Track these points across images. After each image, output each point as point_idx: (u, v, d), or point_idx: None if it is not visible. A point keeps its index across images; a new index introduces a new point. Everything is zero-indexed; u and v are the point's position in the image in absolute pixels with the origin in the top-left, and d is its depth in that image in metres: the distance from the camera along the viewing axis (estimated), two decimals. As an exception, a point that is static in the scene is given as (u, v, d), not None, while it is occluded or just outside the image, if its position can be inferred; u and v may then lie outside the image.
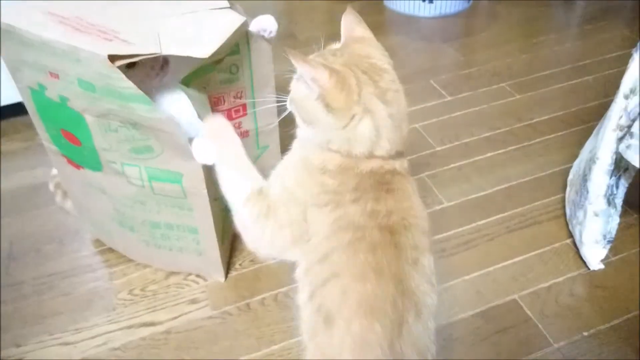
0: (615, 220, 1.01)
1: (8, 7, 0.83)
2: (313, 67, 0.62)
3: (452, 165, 1.34)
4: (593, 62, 1.71)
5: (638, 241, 1.10)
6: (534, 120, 1.47)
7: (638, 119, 0.88)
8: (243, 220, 0.72)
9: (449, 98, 1.59)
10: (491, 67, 1.72)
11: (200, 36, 0.77)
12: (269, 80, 0.98)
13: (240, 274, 1.10)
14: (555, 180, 1.27)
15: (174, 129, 0.79)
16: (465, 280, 1.06)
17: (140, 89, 0.74)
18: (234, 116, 0.99)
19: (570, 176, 1.18)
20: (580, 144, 1.22)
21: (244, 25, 0.83)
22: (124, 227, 1.04)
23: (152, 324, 1.02)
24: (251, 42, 0.90)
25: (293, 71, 0.67)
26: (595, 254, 1.03)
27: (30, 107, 0.93)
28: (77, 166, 0.97)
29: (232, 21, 0.81)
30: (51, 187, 1.29)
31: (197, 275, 1.10)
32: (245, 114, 1.00)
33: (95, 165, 0.93)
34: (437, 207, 1.22)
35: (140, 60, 0.75)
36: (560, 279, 1.04)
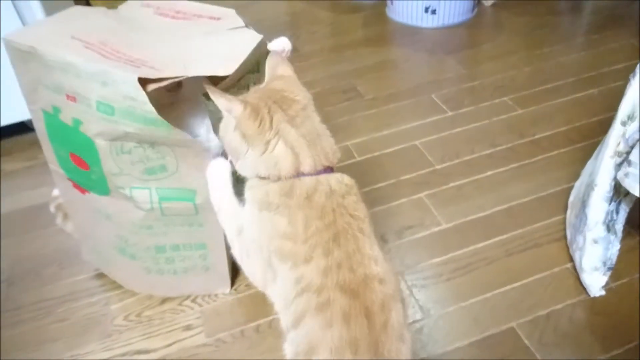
0: (615, 247, 0.99)
1: (31, 30, 0.86)
2: (228, 100, 0.71)
3: (452, 185, 1.33)
4: (599, 74, 1.68)
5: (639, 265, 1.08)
6: (537, 136, 1.45)
7: (637, 146, 0.86)
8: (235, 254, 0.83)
9: (450, 113, 1.57)
10: (494, 80, 1.70)
11: (222, 55, 0.83)
12: None
13: (235, 299, 1.10)
14: (557, 200, 1.25)
15: (192, 144, 0.84)
16: (462, 307, 1.04)
17: (156, 106, 0.78)
18: None
19: (571, 198, 1.16)
20: (584, 161, 1.19)
21: (262, 42, 0.87)
22: (125, 255, 1.04)
23: (146, 351, 1.02)
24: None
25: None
26: (595, 281, 1.01)
27: (40, 129, 0.95)
28: (83, 190, 0.98)
29: (250, 39, 0.87)
30: (52, 208, 1.29)
31: (193, 300, 1.10)
32: None
33: (103, 189, 0.93)
34: (435, 229, 1.21)
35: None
36: (560, 305, 1.02)
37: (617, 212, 0.98)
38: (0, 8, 1.32)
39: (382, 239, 1.19)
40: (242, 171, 0.76)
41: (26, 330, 1.08)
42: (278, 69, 0.79)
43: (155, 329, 1.06)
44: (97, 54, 0.80)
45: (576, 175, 1.22)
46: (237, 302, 1.10)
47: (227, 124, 0.74)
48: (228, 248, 1.00)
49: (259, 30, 0.92)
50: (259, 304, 1.08)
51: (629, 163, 0.86)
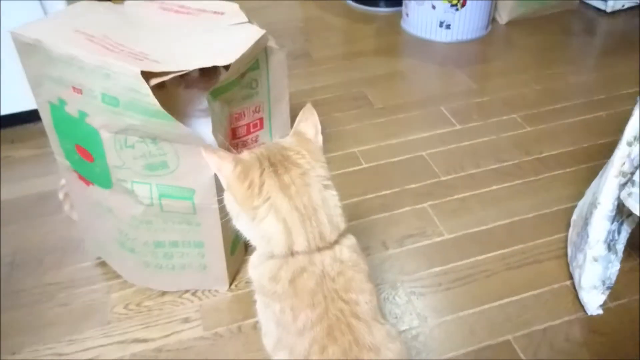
0: (615, 266, 0.99)
1: (37, 24, 0.88)
2: (220, 158, 0.67)
3: (456, 197, 1.34)
4: (608, 97, 1.69)
5: (639, 287, 1.08)
6: (543, 155, 1.46)
7: (641, 167, 0.87)
8: None
9: (459, 127, 1.58)
10: (503, 97, 1.71)
11: (225, 48, 0.83)
12: (284, 94, 1.03)
13: (235, 295, 1.11)
14: (560, 218, 1.25)
15: (193, 141, 0.84)
16: (460, 317, 1.04)
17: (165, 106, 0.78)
18: (252, 130, 1.03)
19: (574, 216, 1.16)
20: (588, 182, 1.19)
21: (264, 37, 0.88)
22: (124, 249, 1.05)
23: (144, 340, 1.03)
24: (269, 57, 0.93)
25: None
26: (593, 299, 1.01)
27: (47, 121, 0.96)
28: (88, 183, 0.99)
29: (252, 34, 0.88)
30: (60, 195, 1.31)
31: (193, 294, 1.11)
32: (262, 128, 1.04)
33: (106, 182, 0.94)
34: (437, 239, 1.22)
35: (166, 82, 0.79)
36: (557, 322, 1.03)
37: (619, 232, 0.98)
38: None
39: (384, 246, 1.20)
40: (240, 231, 0.71)
41: (27, 313, 1.09)
42: (300, 125, 0.74)
43: (154, 319, 1.07)
44: (100, 47, 0.82)
45: (580, 195, 1.23)
46: (236, 299, 1.10)
47: (222, 181, 0.70)
48: (226, 249, 1.03)
49: (271, 34, 0.93)
50: (258, 301, 1.09)
51: (633, 183, 0.86)
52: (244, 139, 1.01)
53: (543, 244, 1.20)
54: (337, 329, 0.63)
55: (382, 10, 2.29)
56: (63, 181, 1.33)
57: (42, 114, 0.96)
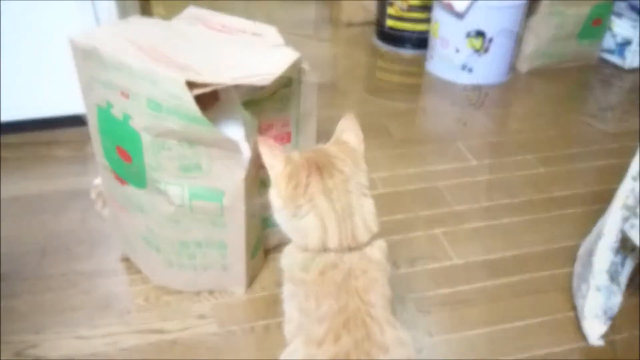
0: (617, 298, 1.03)
1: (93, 33, 0.98)
2: (273, 154, 0.73)
3: (468, 226, 1.39)
4: (622, 147, 1.74)
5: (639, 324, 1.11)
6: (555, 194, 1.51)
7: (645, 201, 0.92)
8: None
9: (475, 162, 1.65)
10: (520, 138, 1.78)
11: (261, 68, 0.90)
12: (312, 112, 1.10)
13: (251, 298, 1.16)
14: (567, 254, 1.29)
15: (228, 145, 0.90)
16: (463, 336, 1.08)
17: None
18: (279, 142, 1.09)
19: (580, 251, 1.20)
20: (597, 222, 1.24)
21: (299, 60, 0.96)
22: (151, 247, 1.11)
23: (160, 331, 1.08)
24: (302, 77, 1.02)
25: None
26: (595, 329, 1.04)
27: (93, 123, 1.05)
28: (123, 182, 1.06)
29: (288, 56, 0.95)
30: (93, 195, 1.39)
31: (210, 293, 1.17)
32: (289, 142, 1.11)
33: (141, 182, 1.02)
34: (447, 263, 1.26)
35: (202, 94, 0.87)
36: (558, 349, 1.06)
37: (622, 266, 1.02)
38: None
39: (395, 265, 1.25)
40: (279, 223, 0.77)
41: (52, 297, 1.15)
42: (343, 134, 0.79)
43: (171, 313, 1.12)
44: (148, 56, 0.90)
45: (587, 234, 1.27)
46: (251, 301, 1.16)
47: (270, 176, 0.76)
48: (247, 251, 1.09)
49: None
50: (271, 306, 1.14)
51: (636, 215, 0.91)
52: (271, 149, 1.10)
53: (549, 276, 1.24)
54: (353, 322, 0.68)
55: (408, 51, 2.40)
56: (96, 181, 1.41)
57: (89, 116, 1.05)
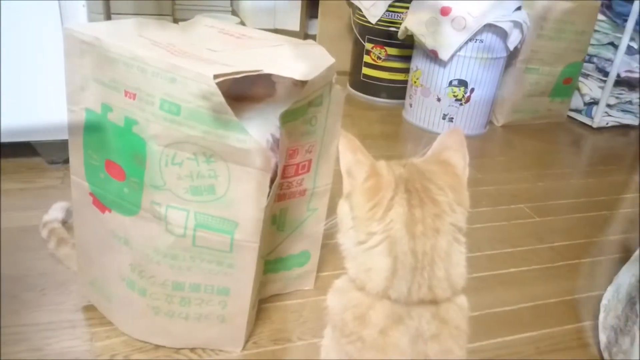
0: (664, 352, 0.93)
1: (94, 25, 0.83)
2: (356, 159, 0.57)
3: (475, 275, 1.27)
4: (610, 199, 1.72)
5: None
6: (556, 244, 1.44)
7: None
8: None
9: (469, 210, 1.56)
10: (510, 189, 1.72)
11: (297, 63, 0.77)
12: (335, 137, 0.95)
13: (241, 355, 0.97)
14: (584, 307, 1.20)
15: (261, 162, 0.75)
16: (495, 400, 0.94)
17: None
18: (299, 172, 0.94)
19: (605, 301, 1.11)
20: (606, 275, 1.18)
21: (334, 67, 0.84)
22: (133, 290, 0.90)
23: (132, 400, 0.87)
24: (332, 94, 0.89)
25: None
26: (640, 389, 0.93)
27: (76, 132, 0.86)
28: (104, 209, 0.88)
29: (324, 58, 0.83)
30: (44, 233, 1.19)
31: (192, 350, 0.96)
32: (309, 172, 0.96)
33: (131, 207, 0.84)
34: (461, 315, 1.13)
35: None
36: (601, 413, 0.93)
37: (665, 316, 0.93)
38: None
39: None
40: (341, 248, 0.60)
41: (-9, 355, 0.91)
42: (448, 152, 0.62)
43: (145, 375, 0.91)
44: (165, 51, 0.76)
45: (599, 287, 1.20)
46: (251, 357, 0.97)
47: (344, 185, 0.59)
48: (251, 300, 0.91)
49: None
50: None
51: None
52: (290, 179, 0.94)
53: (571, 330, 1.13)
54: None
55: (384, 101, 2.36)
56: (46, 218, 1.21)
57: (72, 125, 0.86)
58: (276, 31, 3.22)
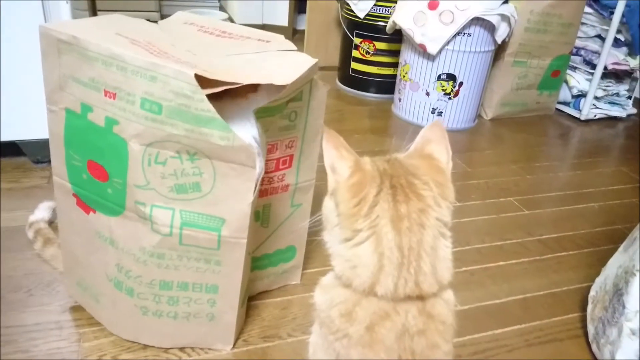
0: (650, 343, 0.93)
1: (72, 23, 0.81)
2: (339, 155, 0.56)
3: (464, 269, 1.28)
4: (597, 191, 1.73)
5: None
6: (544, 237, 1.44)
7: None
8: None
9: (458, 204, 1.56)
10: (498, 182, 1.73)
11: (278, 69, 0.76)
12: (318, 133, 0.95)
13: (230, 354, 0.97)
14: (571, 298, 1.20)
15: (246, 159, 0.74)
16: (485, 393, 0.94)
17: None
18: (280, 167, 0.93)
19: (593, 292, 1.12)
20: (594, 267, 1.18)
21: (315, 66, 0.82)
22: (121, 290, 0.90)
23: (121, 400, 0.86)
24: (313, 91, 0.88)
25: None
26: (628, 379, 0.94)
27: (57, 133, 0.85)
28: (88, 210, 0.87)
29: (305, 59, 0.82)
30: (30, 234, 1.18)
31: (181, 350, 0.96)
32: (290, 166, 0.95)
33: (115, 207, 0.83)
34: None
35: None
36: (589, 404, 0.94)
37: (652, 307, 0.94)
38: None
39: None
40: (326, 245, 0.60)
41: (-24, 358, 0.90)
42: (431, 146, 0.61)
43: (134, 375, 0.90)
44: (145, 50, 0.75)
45: (587, 278, 1.20)
46: (232, 358, 0.96)
47: (329, 182, 0.59)
48: (240, 297, 0.91)
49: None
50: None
51: (677, 248, 0.84)
52: (271, 175, 0.93)
53: (559, 322, 1.13)
54: None
55: (373, 95, 2.36)
56: (32, 218, 1.20)
57: (52, 126, 0.85)
58: (264, 26, 3.21)
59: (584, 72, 2.31)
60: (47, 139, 0.87)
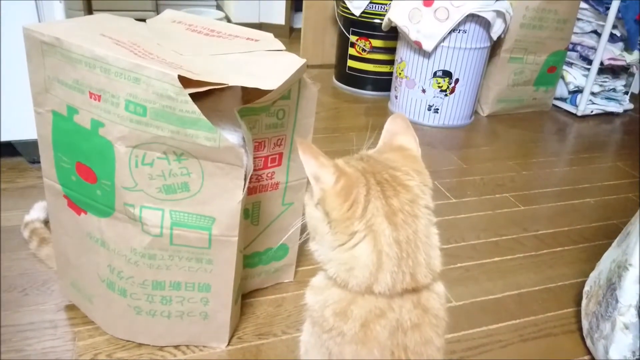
0: (644, 337, 0.93)
1: (55, 24, 0.80)
2: (319, 164, 0.55)
3: (459, 265, 1.28)
4: (593, 186, 1.73)
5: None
6: (540, 232, 1.44)
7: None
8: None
9: (454, 200, 1.56)
10: (494, 178, 1.73)
11: (265, 71, 0.76)
12: (308, 132, 0.95)
13: (225, 352, 0.97)
14: (566, 293, 1.21)
15: (234, 159, 0.73)
16: (479, 388, 0.94)
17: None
18: (269, 165, 0.93)
19: (587, 287, 1.12)
20: (590, 262, 1.19)
21: (304, 66, 0.82)
22: (114, 291, 0.90)
23: (115, 398, 0.86)
24: (302, 89, 0.88)
25: None
26: (621, 374, 0.94)
27: (44, 136, 0.84)
28: (79, 211, 0.87)
29: (294, 60, 0.82)
30: (25, 233, 1.18)
31: (176, 347, 0.96)
32: (280, 164, 0.95)
33: (105, 208, 0.83)
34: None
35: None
36: (583, 398, 0.94)
37: (646, 301, 0.94)
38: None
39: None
40: (315, 254, 0.59)
41: (-29, 358, 0.91)
42: (399, 137, 0.62)
43: (128, 373, 0.91)
44: (129, 51, 0.74)
45: (582, 273, 1.21)
46: (227, 356, 0.96)
47: (312, 192, 0.57)
48: (234, 295, 0.91)
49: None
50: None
51: (669, 242, 0.84)
52: (260, 172, 0.93)
53: (554, 317, 1.14)
54: None
55: (369, 93, 2.36)
56: (27, 218, 1.20)
57: (40, 128, 0.85)
58: (261, 25, 3.21)
59: (580, 67, 2.31)
60: (41, 140, 0.87)
